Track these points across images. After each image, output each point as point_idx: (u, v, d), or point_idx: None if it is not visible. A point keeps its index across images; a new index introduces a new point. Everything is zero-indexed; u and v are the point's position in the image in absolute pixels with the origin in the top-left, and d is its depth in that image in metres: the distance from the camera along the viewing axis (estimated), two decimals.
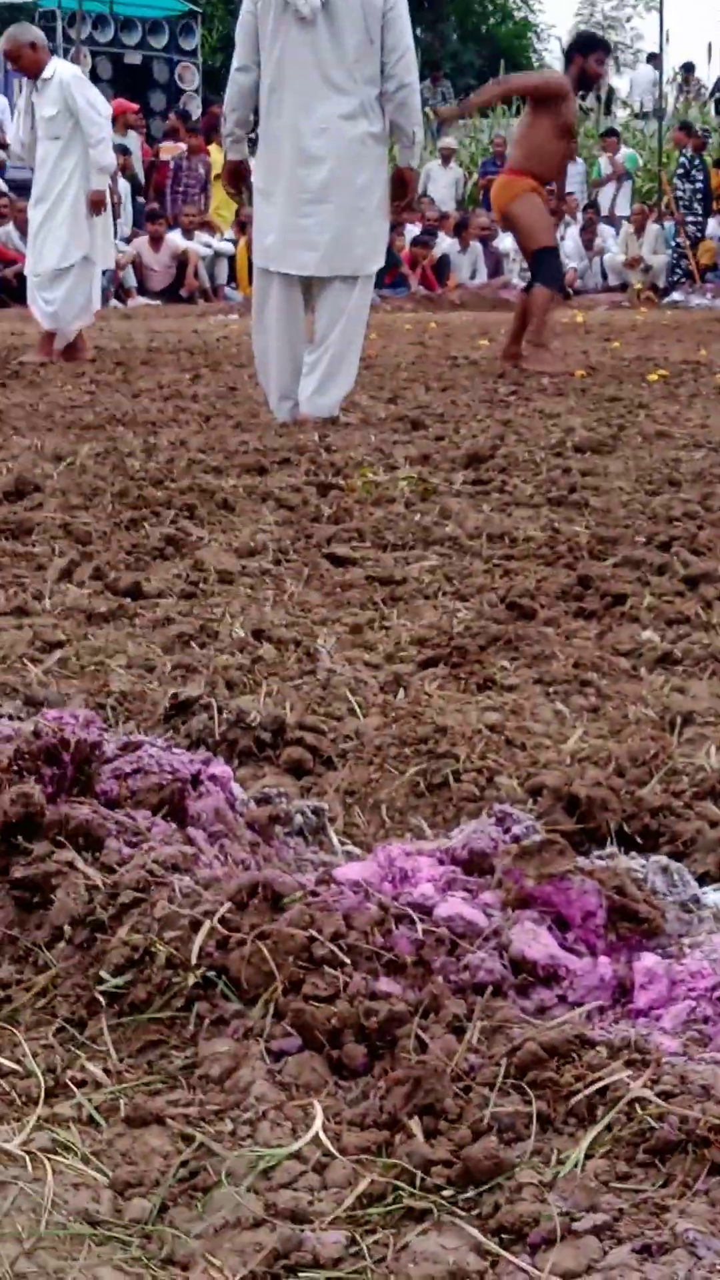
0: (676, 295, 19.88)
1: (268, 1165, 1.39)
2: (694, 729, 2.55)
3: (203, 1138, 1.44)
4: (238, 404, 7.44)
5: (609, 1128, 1.41)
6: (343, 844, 2.10)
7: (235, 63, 6.66)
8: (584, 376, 8.86)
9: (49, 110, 9.85)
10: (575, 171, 21.02)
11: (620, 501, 4.57)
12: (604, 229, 21.46)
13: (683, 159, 21.08)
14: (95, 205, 10.02)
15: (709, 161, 20.87)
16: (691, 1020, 1.58)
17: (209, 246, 19.79)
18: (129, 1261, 1.30)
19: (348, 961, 1.63)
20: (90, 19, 21.78)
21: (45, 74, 9.85)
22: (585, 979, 1.66)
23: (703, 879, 1.97)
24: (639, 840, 2.10)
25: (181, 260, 19.26)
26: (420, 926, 1.69)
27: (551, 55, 44.00)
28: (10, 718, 2.33)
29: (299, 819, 2.09)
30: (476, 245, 21.47)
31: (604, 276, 21.31)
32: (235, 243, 20.08)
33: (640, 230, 20.93)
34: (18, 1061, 1.58)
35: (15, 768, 1.96)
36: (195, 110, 22.88)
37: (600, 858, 1.90)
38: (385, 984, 1.61)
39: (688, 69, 28.28)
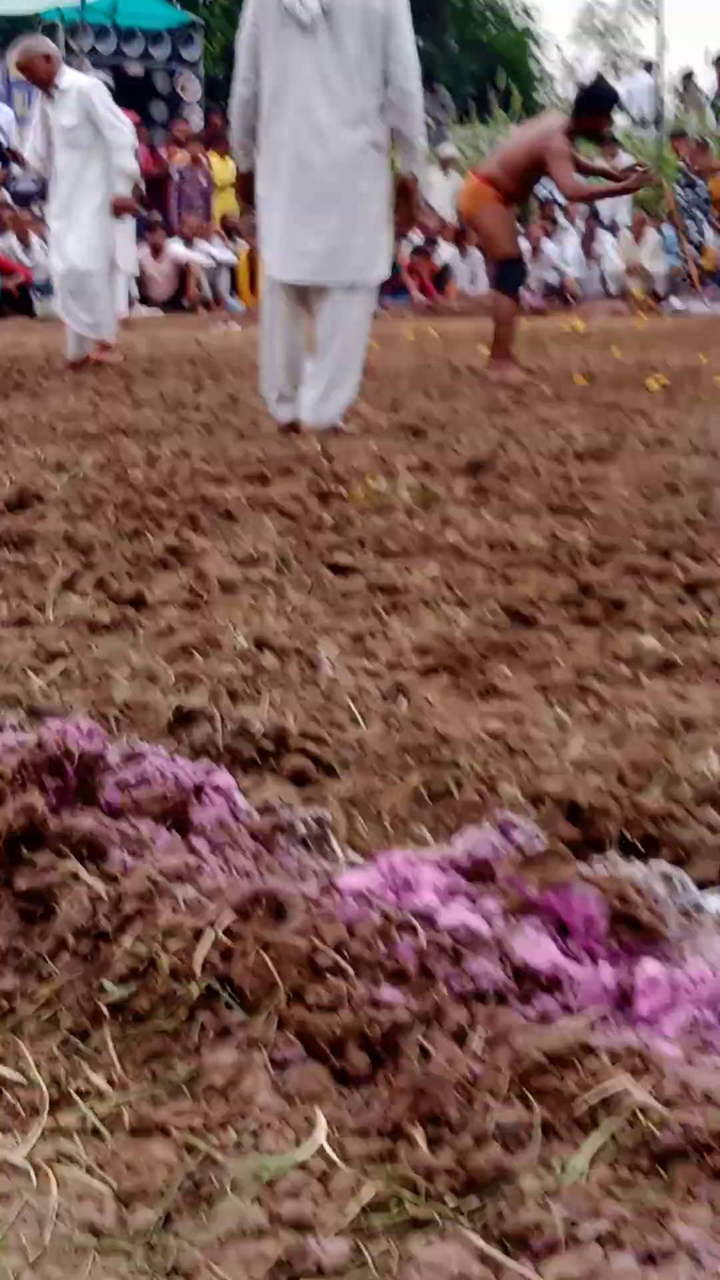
0: (676, 302, 19.90)
1: (272, 1175, 1.40)
2: (695, 735, 2.55)
3: (207, 1148, 1.44)
4: (240, 413, 7.45)
5: (612, 1135, 1.41)
6: (345, 853, 2.10)
7: (238, 75, 6.65)
8: (584, 384, 8.86)
9: (69, 120, 9.88)
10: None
11: (621, 508, 4.58)
12: (603, 236, 21.46)
13: (683, 166, 21.10)
14: (120, 210, 10.11)
15: None
16: (694, 1027, 1.58)
17: (210, 256, 19.82)
18: (133, 1272, 1.30)
19: (351, 970, 1.63)
20: (92, 30, 21.80)
21: (61, 85, 9.89)
22: (587, 986, 1.66)
23: (704, 885, 1.98)
24: (640, 847, 2.10)
25: (183, 270, 19.29)
26: (423, 935, 1.69)
27: (550, 63, 44.07)
28: (13, 728, 2.33)
29: (302, 828, 2.10)
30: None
31: (604, 284, 21.31)
32: (237, 253, 20.12)
33: (640, 237, 20.95)
34: (21, 1072, 1.59)
35: (18, 778, 1.97)
36: (197, 121, 22.91)
37: (602, 865, 1.90)
38: (388, 993, 1.61)
39: (687, 76, 28.29)
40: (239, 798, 2.14)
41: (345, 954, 1.65)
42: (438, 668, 2.97)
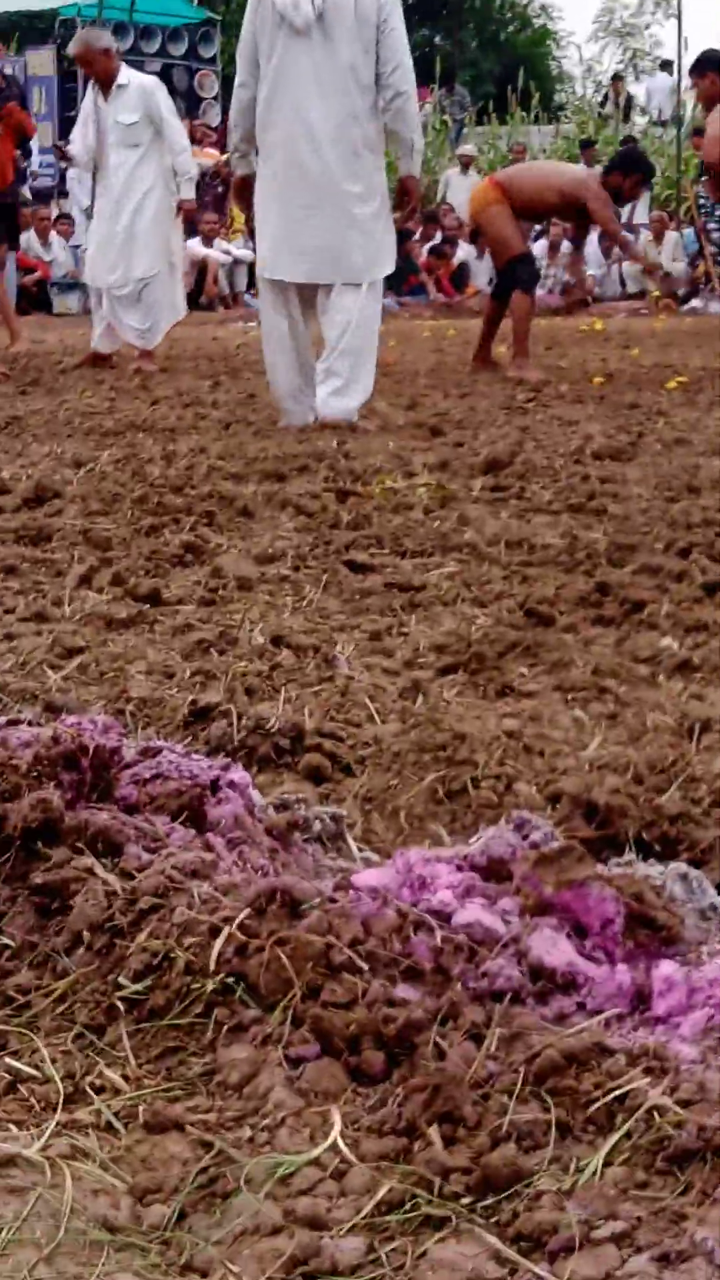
0: (696, 302, 19.85)
1: (286, 1172, 1.39)
2: (712, 736, 2.54)
3: (221, 1144, 1.44)
4: (257, 411, 7.45)
5: (628, 1135, 1.41)
6: (361, 851, 2.10)
7: (236, 80, 6.82)
8: (602, 384, 8.85)
9: (128, 117, 9.87)
10: None
11: (639, 508, 4.57)
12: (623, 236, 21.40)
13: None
14: (188, 214, 10.37)
15: None
16: (710, 1028, 1.58)
17: (228, 254, 19.83)
18: (147, 1268, 1.30)
19: (366, 968, 1.63)
20: (110, 26, 21.83)
21: (120, 80, 9.90)
22: (604, 986, 1.66)
23: None
24: (657, 847, 2.09)
25: (201, 267, 19.30)
26: (439, 933, 1.69)
27: (569, 63, 44.05)
28: (30, 723, 2.33)
29: (317, 825, 2.09)
30: None
31: (623, 284, 21.27)
32: (254, 250, 20.12)
33: (659, 238, 20.91)
34: (37, 1067, 1.59)
35: (34, 773, 1.97)
36: (215, 118, 22.92)
37: (618, 865, 1.90)
38: (404, 991, 1.61)
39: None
40: (255, 794, 2.14)
41: (361, 952, 1.64)
42: (455, 666, 2.97)
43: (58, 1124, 1.49)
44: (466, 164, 23.49)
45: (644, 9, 44.83)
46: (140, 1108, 1.51)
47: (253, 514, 4.57)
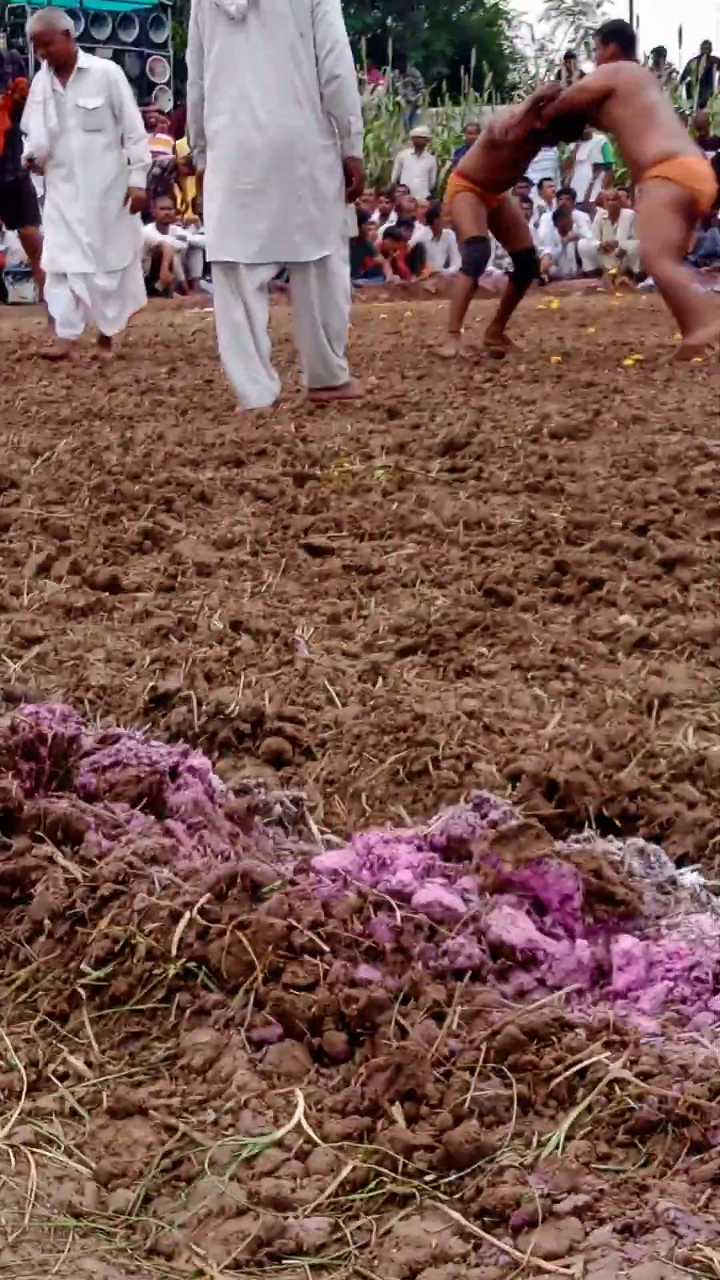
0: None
1: (250, 1154, 1.40)
2: (671, 712, 2.55)
3: (185, 1128, 1.44)
4: (214, 397, 7.44)
5: (589, 1109, 1.42)
6: (323, 833, 2.11)
7: (189, 79, 7.02)
8: (559, 362, 8.86)
9: (91, 102, 9.75)
10: (548, 156, 21.04)
11: (596, 486, 4.58)
12: (578, 214, 21.43)
13: None
14: (137, 204, 10.08)
15: None
16: (669, 1001, 1.59)
17: (183, 239, 19.76)
18: (113, 1252, 1.30)
19: (327, 949, 1.63)
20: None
21: (81, 64, 9.80)
22: (563, 962, 1.66)
23: (681, 860, 1.98)
24: (617, 823, 2.10)
25: (156, 254, 19.23)
26: (399, 913, 1.69)
27: (521, 42, 44.02)
28: None
29: (278, 809, 2.10)
30: (450, 233, 21.45)
31: (579, 262, 21.29)
32: None
33: (615, 215, 20.93)
34: (0, 1055, 1.59)
35: None
36: (167, 103, 22.85)
37: (578, 841, 1.91)
38: (365, 971, 1.61)
39: (659, 53, 28.25)
40: (215, 779, 2.14)
41: (322, 933, 1.65)
42: (414, 648, 2.97)
43: (21, 1111, 1.49)
44: (420, 145, 23.48)
45: None
46: (104, 1093, 1.52)
47: (211, 500, 4.56)
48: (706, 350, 8.60)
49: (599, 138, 23.64)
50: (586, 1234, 1.26)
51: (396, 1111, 1.43)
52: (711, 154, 20.49)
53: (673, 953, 1.63)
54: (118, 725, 2.45)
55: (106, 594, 3.46)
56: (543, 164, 20.75)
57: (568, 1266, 1.23)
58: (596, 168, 22.81)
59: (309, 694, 2.70)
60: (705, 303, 9.13)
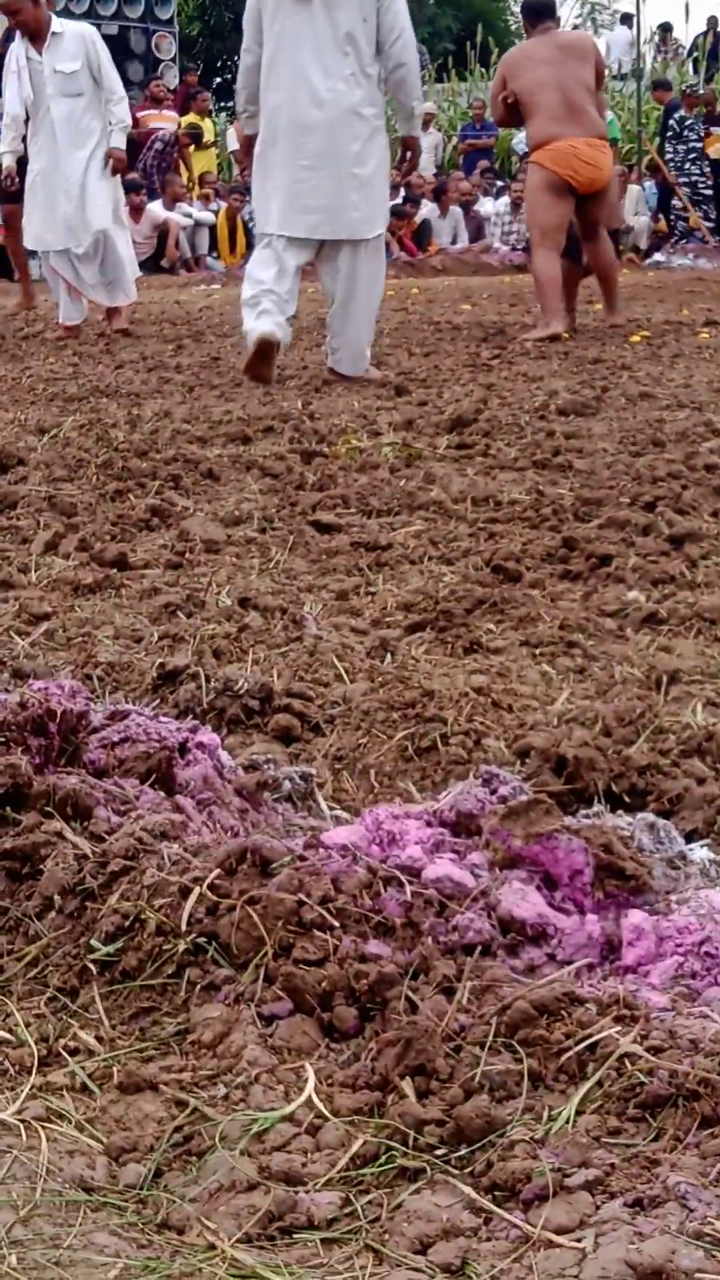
0: (658, 256, 19.84)
1: (261, 1128, 1.40)
2: (680, 687, 2.55)
3: (196, 1103, 1.45)
4: (221, 374, 7.43)
5: (599, 1084, 1.42)
6: (332, 809, 2.10)
7: (243, 45, 7.24)
8: (567, 339, 8.84)
9: (69, 65, 9.57)
10: None
11: (604, 463, 4.57)
12: None
13: (672, 121, 20.89)
14: (117, 165, 9.82)
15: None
16: (679, 975, 1.59)
17: (189, 216, 19.73)
18: (124, 1226, 1.31)
19: (337, 925, 1.63)
20: None
21: (55, 28, 9.61)
22: (573, 937, 1.66)
23: (690, 835, 1.98)
24: (626, 799, 2.10)
25: (162, 231, 19.20)
26: (409, 888, 1.69)
27: None
28: None
29: (287, 785, 2.10)
30: (456, 210, 21.41)
31: None
32: (216, 212, 20.03)
33: (622, 193, 20.85)
34: (10, 1031, 1.59)
35: (2, 739, 1.97)
36: (172, 80, 22.77)
37: (587, 816, 1.91)
38: (375, 946, 1.61)
39: (665, 29, 28.13)
40: (224, 755, 2.14)
41: (331, 909, 1.65)
42: (422, 624, 2.97)
43: (32, 1087, 1.49)
44: (426, 121, 23.38)
45: None
46: (114, 1069, 1.52)
47: (218, 477, 4.56)
48: (541, 342, 8.64)
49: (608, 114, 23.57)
50: (597, 1208, 1.27)
51: (407, 1086, 1.44)
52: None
53: (683, 927, 1.63)
54: (126, 702, 2.45)
55: (114, 571, 3.45)
56: None
57: (579, 1240, 1.23)
58: None
59: (317, 670, 2.70)
60: (557, 303, 9.15)
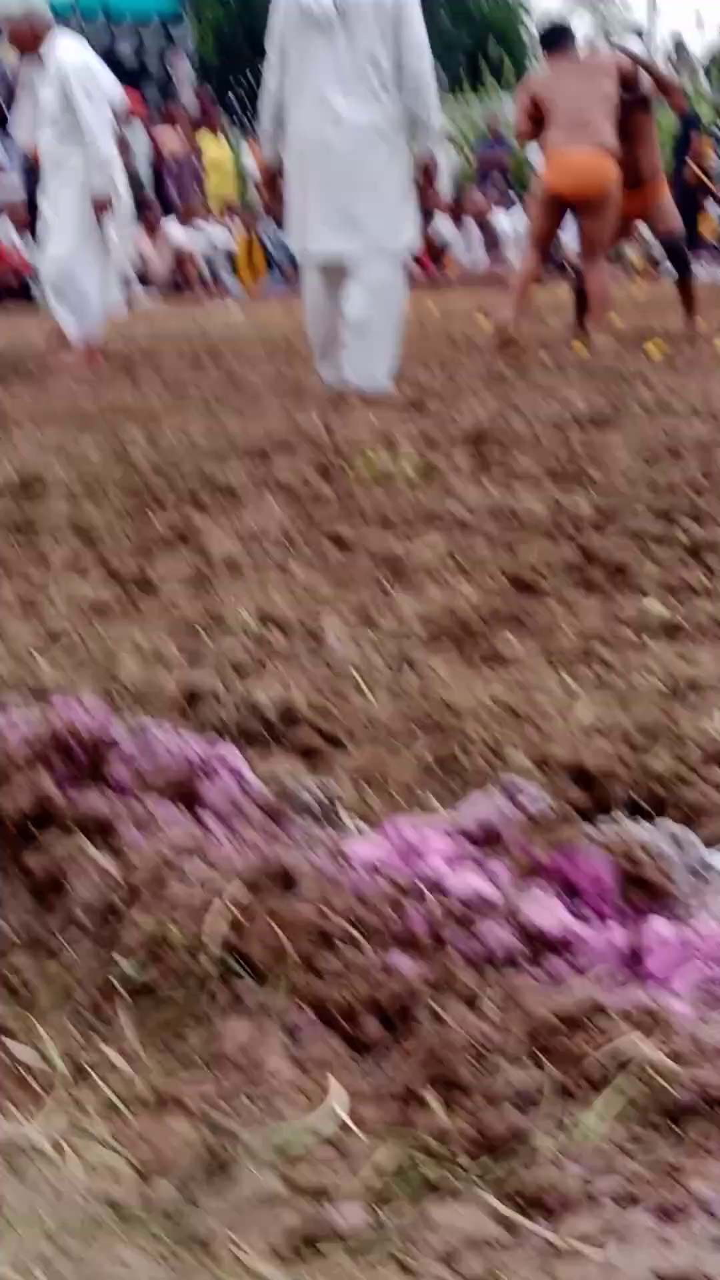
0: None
1: (288, 1143, 1.40)
2: (700, 697, 2.55)
3: (223, 1119, 1.45)
4: (239, 392, 7.45)
5: (625, 1093, 1.42)
6: (354, 824, 2.11)
7: (265, 69, 7.35)
8: (582, 350, 8.84)
9: (45, 92, 8.95)
10: None
11: (622, 473, 4.57)
12: None
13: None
14: (100, 209, 9.02)
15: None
16: (704, 984, 1.59)
17: (209, 239, 19.77)
18: (153, 1243, 1.31)
19: (361, 938, 1.64)
20: (84, 18, 21.72)
21: (42, 52, 8.91)
22: (597, 946, 1.67)
23: (712, 844, 1.98)
24: (648, 808, 2.10)
25: (179, 253, 19.24)
26: (432, 901, 1.69)
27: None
28: (20, 709, 2.33)
29: (310, 800, 2.10)
30: (472, 224, 21.42)
31: None
32: (235, 235, 20.07)
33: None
34: (37, 1049, 1.59)
35: (26, 759, 1.97)
36: (189, 101, 22.84)
37: (609, 826, 1.91)
38: (399, 959, 1.62)
39: (679, 43, 28.13)
40: (247, 772, 2.14)
41: (355, 922, 1.65)
42: (442, 637, 2.98)
43: (59, 1104, 1.50)
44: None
45: None
46: (141, 1086, 1.52)
47: (238, 494, 4.57)
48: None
49: None
50: (624, 1218, 1.27)
51: (432, 1098, 1.44)
52: None
53: (706, 935, 1.63)
54: (148, 719, 2.45)
55: (135, 589, 3.46)
56: None
57: (603, 1249, 1.23)
58: None
59: (339, 686, 2.71)
60: (516, 302, 9.60)
